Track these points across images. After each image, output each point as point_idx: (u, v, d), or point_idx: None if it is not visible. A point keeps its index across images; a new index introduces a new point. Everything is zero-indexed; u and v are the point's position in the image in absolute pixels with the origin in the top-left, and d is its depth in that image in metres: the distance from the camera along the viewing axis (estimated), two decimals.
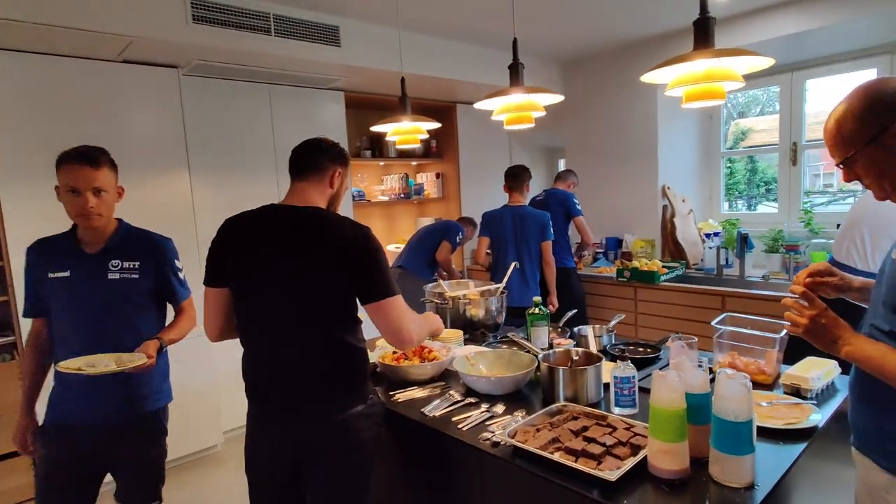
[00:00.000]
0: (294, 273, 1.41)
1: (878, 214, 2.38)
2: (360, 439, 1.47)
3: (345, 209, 4.02)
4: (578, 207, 3.95)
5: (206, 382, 3.32)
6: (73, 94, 2.81)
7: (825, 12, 3.29)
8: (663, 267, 3.90)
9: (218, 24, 2.80)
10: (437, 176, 5.06)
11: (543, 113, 1.88)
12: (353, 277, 1.41)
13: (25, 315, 1.72)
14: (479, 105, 1.89)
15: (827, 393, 1.66)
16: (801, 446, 1.33)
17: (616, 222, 4.59)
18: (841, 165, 1.16)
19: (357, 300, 1.48)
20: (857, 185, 1.80)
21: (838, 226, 2.89)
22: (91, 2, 2.47)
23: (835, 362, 1.75)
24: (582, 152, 4.75)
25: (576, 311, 2.54)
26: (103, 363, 1.56)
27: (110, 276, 1.66)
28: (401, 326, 1.45)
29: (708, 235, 4.13)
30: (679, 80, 1.42)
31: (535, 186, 5.59)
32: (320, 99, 3.88)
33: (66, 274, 1.63)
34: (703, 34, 1.36)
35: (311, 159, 1.54)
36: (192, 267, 3.17)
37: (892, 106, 1.06)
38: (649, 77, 1.45)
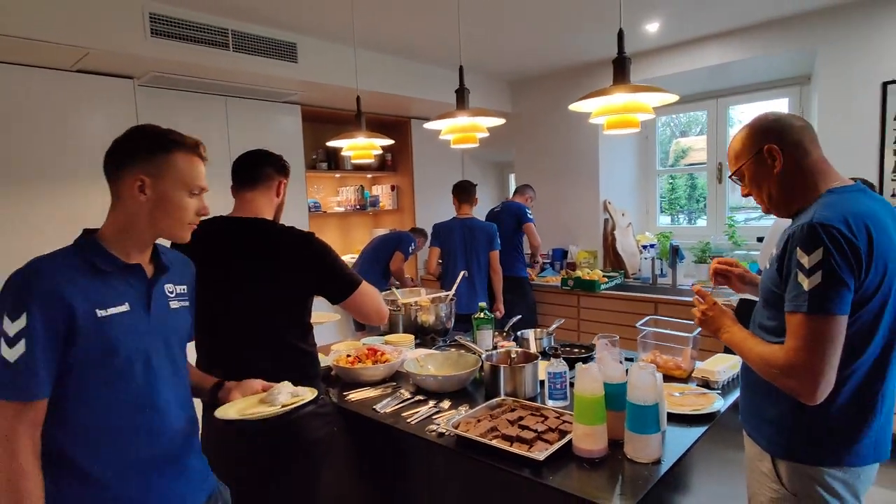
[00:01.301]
0: (249, 284, 1.50)
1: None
2: (312, 438, 1.55)
3: (300, 220, 4.10)
4: (530, 216, 4.17)
5: None
6: (24, 103, 2.80)
7: (743, 47, 3.66)
8: (604, 276, 4.17)
9: (177, 38, 2.87)
10: (392, 188, 5.20)
11: (487, 134, 2.06)
12: (320, 283, 1.53)
13: (30, 397, 0.96)
14: (427, 125, 2.06)
15: (731, 384, 1.89)
16: (703, 428, 1.54)
17: (562, 234, 4.85)
18: (735, 179, 1.39)
19: (316, 303, 1.60)
20: None
21: (759, 239, 3.21)
22: (50, 13, 2.50)
23: (738, 358, 1.99)
24: (530, 168, 5.00)
25: (520, 316, 2.73)
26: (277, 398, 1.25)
27: (171, 304, 1.19)
28: (379, 307, 1.60)
29: (645, 247, 4.43)
30: (601, 110, 1.63)
31: (487, 200, 5.82)
32: (277, 112, 3.96)
33: (125, 308, 1.06)
34: (620, 71, 1.57)
35: (260, 170, 1.62)
36: None
37: (766, 132, 1.30)
38: (576, 106, 1.65)
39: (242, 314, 1.53)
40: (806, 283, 1.11)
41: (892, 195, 3.21)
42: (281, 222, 1.68)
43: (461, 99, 2.01)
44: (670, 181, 4.93)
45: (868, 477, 1.25)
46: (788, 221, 1.31)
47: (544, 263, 4.83)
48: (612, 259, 4.54)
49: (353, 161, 2.69)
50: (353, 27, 3.19)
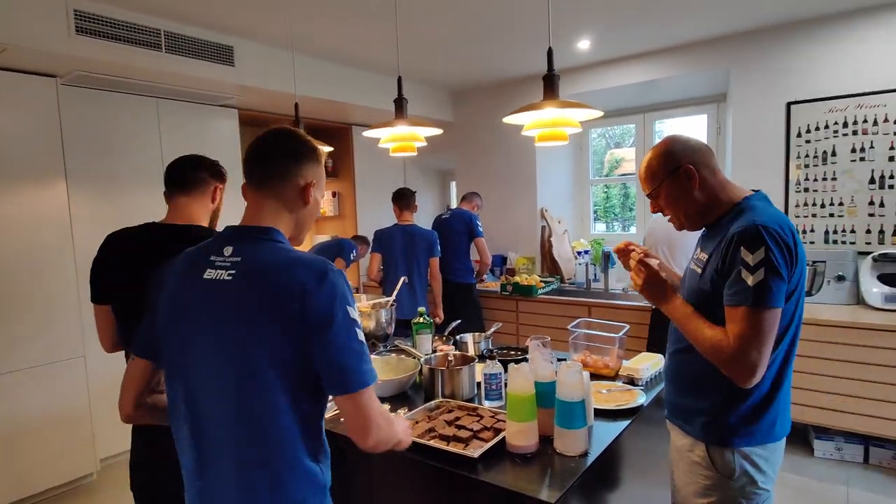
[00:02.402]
0: None
1: (669, 237, 3.14)
2: None
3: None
4: (480, 229, 4.21)
5: (78, 406, 3.14)
6: None
7: (666, 66, 3.92)
8: (541, 281, 4.32)
9: (104, 36, 2.76)
10: (334, 195, 5.17)
11: (425, 143, 2.11)
12: None
13: None
14: (367, 134, 2.09)
15: (654, 381, 2.03)
16: (628, 422, 1.65)
17: (501, 241, 4.98)
18: (648, 195, 1.49)
19: None
20: None
21: None
22: None
23: (661, 356, 2.14)
24: (471, 176, 5.11)
25: (460, 320, 2.79)
26: None
27: None
28: None
29: (579, 253, 4.63)
30: (533, 124, 1.72)
31: (430, 207, 5.90)
32: (213, 115, 3.86)
33: None
34: (550, 87, 1.67)
35: (194, 174, 1.59)
36: (69, 281, 3.04)
37: (680, 153, 1.42)
38: (509, 119, 1.73)
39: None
40: (750, 279, 1.22)
41: (797, 205, 3.53)
42: (217, 229, 1.66)
43: (400, 108, 2.06)
44: (605, 190, 5.18)
45: (780, 450, 1.41)
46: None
47: None
48: (550, 265, 4.71)
49: None
50: (290, 32, 3.18)
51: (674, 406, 1.53)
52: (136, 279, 1.47)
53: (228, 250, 1.05)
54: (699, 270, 1.40)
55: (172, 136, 3.60)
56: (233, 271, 1.01)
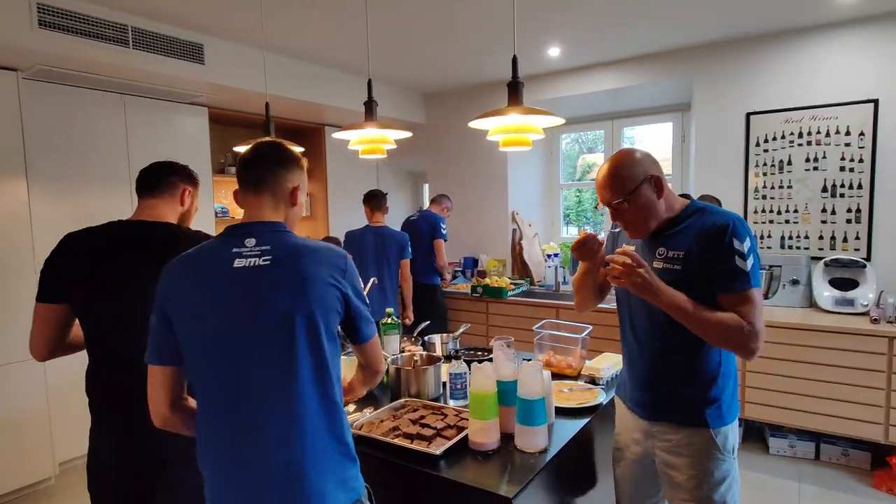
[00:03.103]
0: (146, 286, 1.46)
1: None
2: None
3: (206, 226, 3.95)
4: (443, 232, 4.26)
5: (36, 408, 3.05)
6: None
7: (634, 75, 4.03)
8: (511, 284, 4.38)
9: (68, 31, 2.70)
10: (306, 195, 5.13)
11: (395, 146, 2.14)
12: None
13: None
14: (336, 135, 2.10)
15: (614, 380, 2.09)
16: (586, 419, 1.71)
17: (473, 243, 5.03)
18: (617, 204, 1.45)
19: None
20: None
21: None
22: None
23: (619, 356, 2.20)
24: (443, 178, 5.15)
25: (429, 322, 2.82)
26: None
27: None
28: None
29: (549, 256, 4.70)
30: (497, 129, 1.77)
31: (402, 209, 5.91)
32: (182, 113, 3.81)
33: None
34: (514, 94, 1.71)
35: (162, 177, 1.61)
36: (27, 282, 2.96)
37: (647, 164, 1.47)
38: (475, 124, 1.77)
39: (143, 318, 1.48)
40: (746, 265, 1.37)
41: (755, 212, 3.67)
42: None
43: (370, 111, 2.08)
44: (577, 194, 5.27)
45: None
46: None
47: (456, 272, 4.99)
48: (520, 267, 4.78)
49: None
50: (262, 31, 3.17)
51: (664, 404, 1.52)
52: (102, 277, 1.46)
53: (251, 242, 1.17)
54: (676, 267, 1.44)
55: (139, 134, 3.54)
56: (268, 257, 1.15)
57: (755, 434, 3.45)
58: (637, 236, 1.53)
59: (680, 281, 1.41)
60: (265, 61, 3.51)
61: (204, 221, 3.93)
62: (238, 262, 1.15)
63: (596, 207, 1.61)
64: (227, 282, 1.14)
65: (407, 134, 2.13)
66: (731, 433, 1.50)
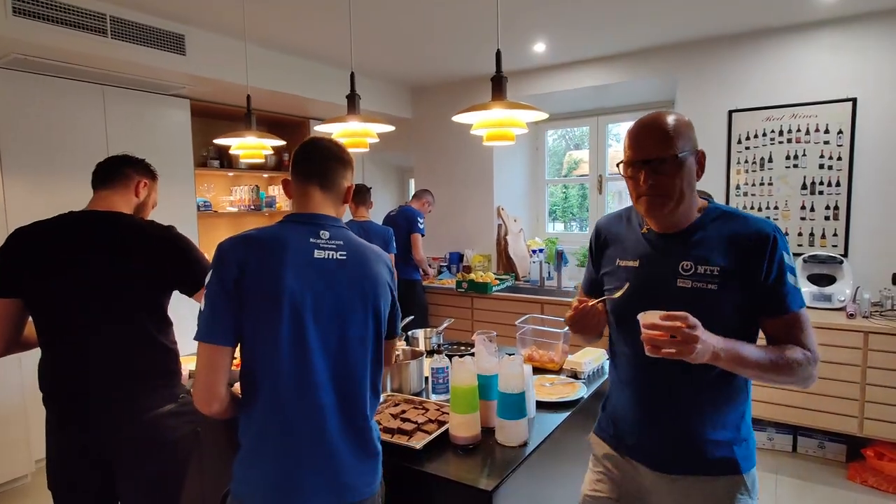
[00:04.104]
0: (101, 275, 1.45)
1: None
2: (172, 437, 1.52)
3: (188, 219, 3.90)
4: (420, 226, 4.27)
5: (12, 404, 3.00)
6: None
7: (618, 72, 4.05)
8: (496, 279, 4.38)
9: (44, 19, 2.64)
10: None
11: (377, 140, 2.13)
12: (172, 273, 1.52)
13: None
14: (318, 129, 2.08)
15: (595, 374, 2.11)
16: (566, 413, 1.72)
17: (458, 239, 5.03)
18: (658, 161, 1.14)
19: (171, 298, 1.58)
20: None
21: None
22: None
23: (603, 350, 2.22)
24: (429, 173, 5.14)
25: (413, 317, 2.81)
26: None
27: None
28: None
29: (534, 251, 4.72)
30: (481, 123, 1.76)
31: (388, 203, 5.89)
32: (162, 105, 3.75)
33: None
34: (498, 88, 1.71)
35: (115, 169, 1.61)
36: None
37: (695, 136, 1.20)
38: (459, 118, 1.77)
39: (98, 307, 1.46)
40: (795, 282, 1.17)
41: (737, 208, 3.70)
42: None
43: (352, 104, 2.06)
44: (564, 190, 5.29)
45: None
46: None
47: (441, 267, 4.99)
48: (505, 262, 4.79)
49: (243, 161, 2.64)
50: (245, 22, 3.12)
51: (688, 448, 1.20)
52: (53, 267, 1.44)
53: (326, 234, 1.25)
54: (712, 287, 1.15)
55: (119, 126, 3.47)
56: (343, 252, 1.24)
57: None
58: (654, 213, 1.19)
59: (716, 305, 1.14)
60: (247, 53, 3.46)
61: (185, 215, 3.88)
62: (318, 253, 1.21)
63: (621, 165, 1.19)
64: (311, 270, 1.19)
65: (390, 128, 2.12)
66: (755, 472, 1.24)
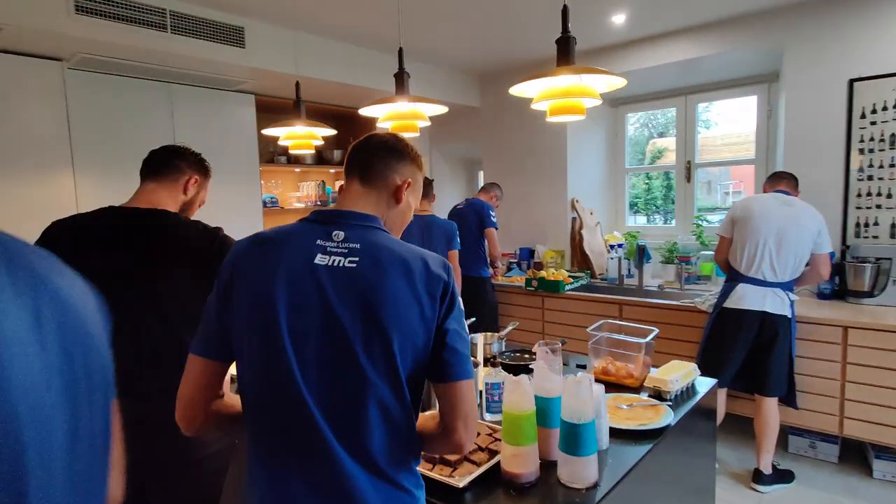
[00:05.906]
0: (138, 276, 1.35)
1: (782, 227, 2.56)
2: (198, 457, 1.41)
3: (254, 216, 3.89)
4: (493, 220, 4.01)
5: None
6: None
7: (712, 43, 3.56)
8: (569, 276, 4.04)
9: (104, 15, 2.64)
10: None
11: (428, 123, 1.90)
12: (208, 278, 1.37)
13: None
14: (363, 111, 1.89)
15: (685, 394, 1.76)
16: (648, 446, 1.40)
17: (529, 233, 4.72)
18: None
19: None
20: None
21: None
22: None
23: (694, 365, 1.87)
24: (498, 164, 4.86)
25: (475, 318, 2.57)
26: None
27: None
28: None
29: (612, 247, 4.32)
30: (543, 94, 1.48)
31: (456, 197, 5.67)
32: (228, 101, 3.74)
33: None
34: (564, 52, 1.43)
35: (167, 160, 1.51)
36: None
37: None
38: (517, 90, 1.50)
39: (134, 315, 1.35)
40: None
41: (858, 195, 3.14)
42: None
43: (401, 83, 1.85)
44: (647, 181, 4.84)
45: None
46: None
47: (511, 263, 4.70)
48: (580, 259, 4.42)
49: (292, 152, 2.51)
50: (294, 12, 3.00)
51: None
52: (81, 267, 1.33)
53: (339, 235, 1.01)
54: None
55: (186, 123, 3.50)
56: (355, 259, 0.98)
57: (855, 455, 2.97)
58: None
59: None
60: (302, 43, 3.36)
61: (252, 212, 3.87)
62: (321, 259, 0.98)
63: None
64: (307, 279, 0.97)
65: (442, 108, 1.89)
66: None
